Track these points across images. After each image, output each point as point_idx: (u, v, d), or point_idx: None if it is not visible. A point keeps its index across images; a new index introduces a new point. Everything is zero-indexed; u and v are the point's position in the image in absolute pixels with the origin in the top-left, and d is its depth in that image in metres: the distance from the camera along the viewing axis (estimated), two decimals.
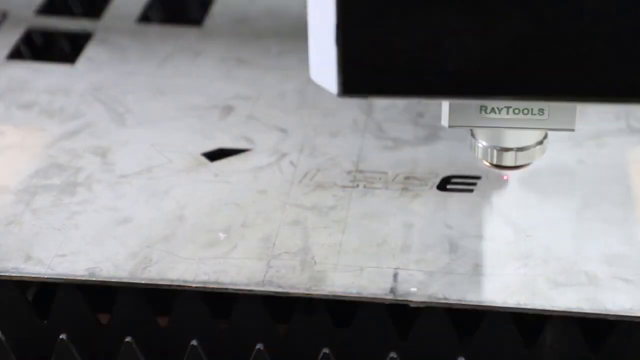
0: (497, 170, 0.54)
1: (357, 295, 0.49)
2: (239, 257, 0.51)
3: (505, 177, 0.56)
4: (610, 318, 0.48)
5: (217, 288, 0.50)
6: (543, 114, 0.50)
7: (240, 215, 0.54)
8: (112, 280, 0.50)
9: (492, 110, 0.50)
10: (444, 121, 0.51)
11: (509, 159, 0.52)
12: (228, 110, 0.63)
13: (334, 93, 0.44)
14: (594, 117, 0.61)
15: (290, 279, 0.50)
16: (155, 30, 0.72)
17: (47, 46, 0.74)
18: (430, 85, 0.44)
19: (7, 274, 0.51)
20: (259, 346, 0.51)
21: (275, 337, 0.52)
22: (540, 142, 0.52)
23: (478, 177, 0.56)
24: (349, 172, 0.57)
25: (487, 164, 0.53)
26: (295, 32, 0.70)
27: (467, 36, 0.42)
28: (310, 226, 0.53)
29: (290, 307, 0.52)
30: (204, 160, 0.58)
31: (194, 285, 0.50)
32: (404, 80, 0.44)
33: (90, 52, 0.69)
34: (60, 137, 0.61)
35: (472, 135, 0.53)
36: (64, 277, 0.51)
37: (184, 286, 0.50)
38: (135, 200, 0.55)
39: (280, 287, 0.49)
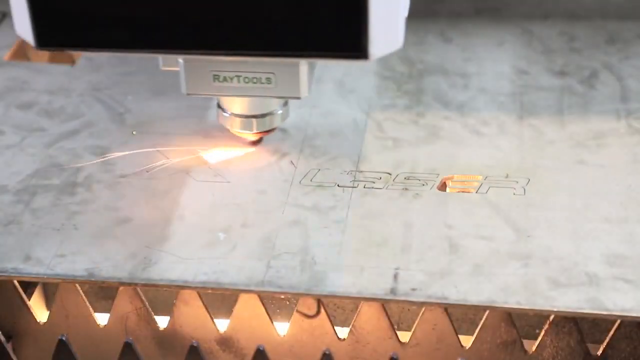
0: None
1: (357, 295, 0.49)
2: (239, 257, 0.51)
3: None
4: (611, 318, 0.48)
5: (216, 288, 0.50)
6: (270, 82, 0.53)
7: (240, 215, 0.54)
8: (112, 280, 0.50)
9: (225, 78, 0.53)
10: (183, 89, 0.54)
11: (251, 125, 0.56)
12: None
13: (34, 45, 0.47)
14: (595, 117, 0.61)
15: (290, 279, 0.50)
16: None
17: None
18: (114, 39, 0.47)
19: (6, 274, 0.51)
20: (259, 346, 0.52)
21: (275, 337, 0.52)
22: (280, 110, 0.56)
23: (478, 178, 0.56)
24: (349, 172, 0.57)
25: (233, 131, 0.57)
26: None
27: None
28: (310, 226, 0.53)
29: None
30: (204, 160, 0.58)
31: (194, 285, 0.50)
32: (93, 34, 0.47)
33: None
34: (60, 137, 0.60)
35: (218, 105, 0.57)
36: (64, 277, 0.50)
37: (183, 286, 0.50)
38: (135, 201, 0.55)
39: (280, 287, 0.49)
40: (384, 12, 0.46)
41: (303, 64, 0.52)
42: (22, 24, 0.47)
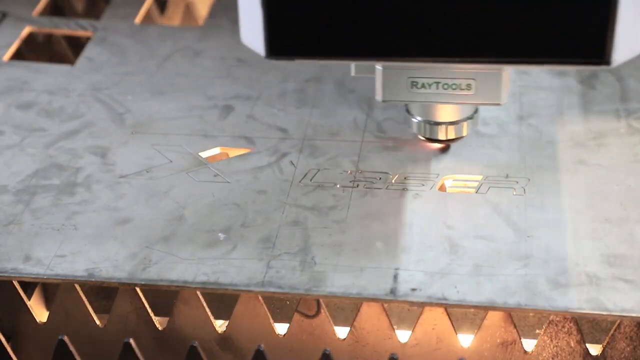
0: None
1: (357, 296, 0.49)
2: (239, 257, 0.51)
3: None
4: (611, 318, 0.48)
5: (216, 289, 0.50)
6: (471, 88, 0.53)
7: (240, 216, 0.54)
8: (112, 280, 0.50)
9: (423, 85, 0.53)
10: (378, 96, 0.54)
11: (441, 132, 0.56)
12: (228, 110, 0.63)
13: (262, 55, 0.47)
14: (595, 117, 0.61)
15: (290, 280, 0.50)
16: (155, 30, 0.72)
17: (46, 46, 0.74)
18: (353, 47, 0.46)
19: (6, 275, 0.51)
20: (259, 346, 0.52)
21: (275, 337, 0.52)
22: (471, 117, 0.56)
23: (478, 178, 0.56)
24: (349, 172, 0.57)
25: (422, 137, 0.57)
26: None
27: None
28: (310, 226, 0.53)
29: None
30: (204, 160, 0.58)
31: (194, 285, 0.50)
32: (326, 42, 0.46)
33: (90, 52, 0.69)
34: (60, 137, 0.61)
35: (407, 111, 0.56)
36: (64, 278, 0.50)
37: (183, 287, 0.50)
38: (135, 201, 0.55)
39: (280, 287, 0.49)
40: (631, 15, 0.45)
41: (506, 69, 0.52)
42: (251, 32, 0.47)
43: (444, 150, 0.58)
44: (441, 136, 0.56)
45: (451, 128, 0.56)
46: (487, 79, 0.52)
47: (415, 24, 0.46)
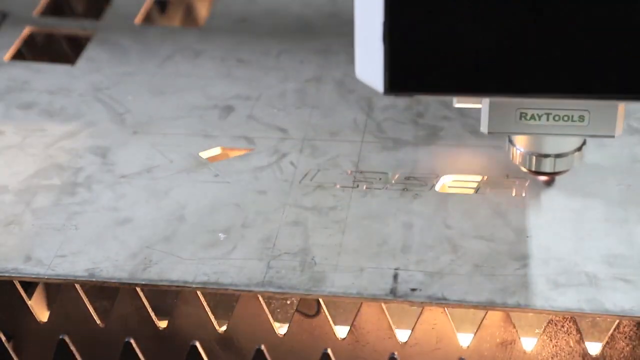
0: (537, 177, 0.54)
1: (357, 296, 0.49)
2: (239, 257, 0.51)
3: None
4: (610, 318, 0.48)
5: (217, 289, 0.50)
6: (583, 120, 0.50)
7: (240, 216, 0.54)
8: (112, 280, 0.50)
9: (532, 116, 0.50)
10: (483, 128, 0.51)
11: (547, 165, 0.53)
12: (228, 110, 0.63)
13: (380, 91, 0.45)
14: None
15: (290, 280, 0.50)
16: (155, 30, 0.72)
17: (47, 46, 0.74)
18: (473, 82, 0.45)
19: (7, 275, 0.51)
20: (259, 346, 0.52)
21: (275, 337, 0.52)
22: (579, 149, 0.53)
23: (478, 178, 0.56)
24: (349, 172, 0.57)
25: (525, 170, 0.54)
26: (295, 32, 0.70)
27: (511, 35, 0.44)
28: (310, 226, 0.53)
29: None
30: (204, 160, 0.58)
31: (194, 286, 0.50)
32: (448, 78, 0.45)
33: (90, 52, 0.69)
34: (61, 137, 0.61)
35: (510, 141, 0.53)
36: (64, 278, 0.51)
37: (183, 287, 0.50)
38: (135, 201, 0.55)
39: (280, 287, 0.49)
40: None
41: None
42: (369, 68, 0.46)
43: (549, 183, 0.55)
44: (548, 169, 0.53)
45: (559, 160, 0.53)
46: (602, 111, 0.50)
47: (534, 61, 0.44)
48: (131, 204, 0.55)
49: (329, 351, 0.52)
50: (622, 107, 0.50)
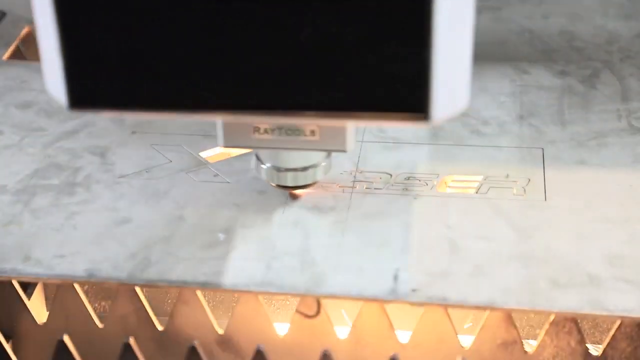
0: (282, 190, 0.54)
1: (357, 296, 0.49)
2: (239, 257, 0.51)
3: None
4: (612, 319, 0.48)
5: (216, 289, 0.50)
6: (315, 135, 0.50)
7: (240, 216, 0.54)
8: (111, 280, 0.50)
9: (265, 131, 0.50)
10: (219, 141, 0.51)
11: (289, 179, 0.53)
12: None
13: (65, 107, 0.43)
14: (596, 116, 0.60)
15: (290, 280, 0.50)
16: None
17: None
18: (156, 100, 0.43)
19: (6, 275, 0.51)
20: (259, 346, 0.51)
21: (275, 337, 0.52)
22: (322, 162, 0.53)
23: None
24: (349, 172, 0.57)
25: (273, 185, 0.54)
26: None
27: (190, 52, 0.42)
28: (310, 226, 0.53)
29: None
30: (204, 160, 0.58)
31: (193, 286, 0.50)
32: (130, 94, 0.43)
33: None
34: (59, 137, 0.60)
35: (257, 157, 0.53)
36: (63, 278, 0.50)
37: (183, 287, 0.50)
38: (135, 201, 0.55)
39: (280, 287, 0.49)
40: (450, 71, 0.41)
41: None
42: (54, 82, 0.44)
43: (295, 197, 0.55)
44: (290, 183, 0.53)
45: (302, 175, 0.53)
46: (332, 127, 0.49)
47: (217, 76, 0.42)
48: (130, 203, 0.55)
49: (329, 351, 0.51)
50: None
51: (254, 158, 0.54)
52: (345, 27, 0.40)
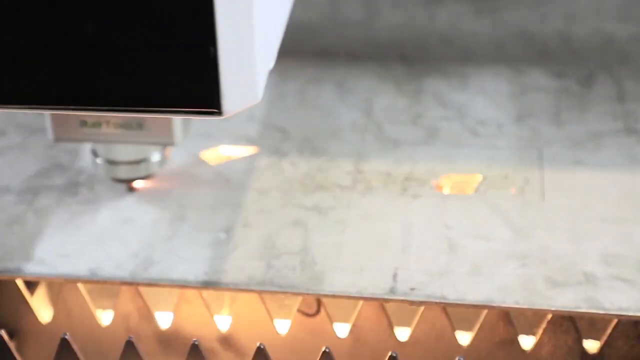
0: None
1: (357, 295, 0.49)
2: (240, 257, 0.51)
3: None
4: (608, 317, 0.48)
5: (218, 288, 0.50)
6: (142, 128, 0.50)
7: (241, 215, 0.54)
8: (114, 280, 0.50)
9: (93, 124, 0.50)
10: (50, 135, 0.51)
11: (123, 172, 0.53)
12: None
13: None
14: (593, 117, 0.61)
15: (291, 279, 0.50)
16: None
17: None
18: None
19: (9, 274, 0.51)
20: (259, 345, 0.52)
21: (276, 336, 0.52)
22: (157, 154, 0.53)
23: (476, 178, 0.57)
24: (349, 172, 0.57)
25: (110, 178, 0.54)
26: (294, 33, 0.70)
27: None
28: (310, 226, 0.53)
29: None
30: (204, 160, 0.59)
31: (195, 285, 0.50)
32: None
33: None
34: None
35: (92, 152, 0.53)
36: (66, 277, 0.51)
37: (185, 286, 0.50)
38: (136, 200, 0.55)
39: (280, 286, 0.50)
40: (237, 66, 0.41)
41: None
42: None
43: (131, 190, 0.55)
44: (125, 176, 0.54)
45: (134, 167, 0.53)
46: (158, 119, 0.49)
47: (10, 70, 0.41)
48: (132, 203, 0.55)
49: (329, 350, 0.52)
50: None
51: (88, 152, 0.54)
52: (129, 25, 0.40)
